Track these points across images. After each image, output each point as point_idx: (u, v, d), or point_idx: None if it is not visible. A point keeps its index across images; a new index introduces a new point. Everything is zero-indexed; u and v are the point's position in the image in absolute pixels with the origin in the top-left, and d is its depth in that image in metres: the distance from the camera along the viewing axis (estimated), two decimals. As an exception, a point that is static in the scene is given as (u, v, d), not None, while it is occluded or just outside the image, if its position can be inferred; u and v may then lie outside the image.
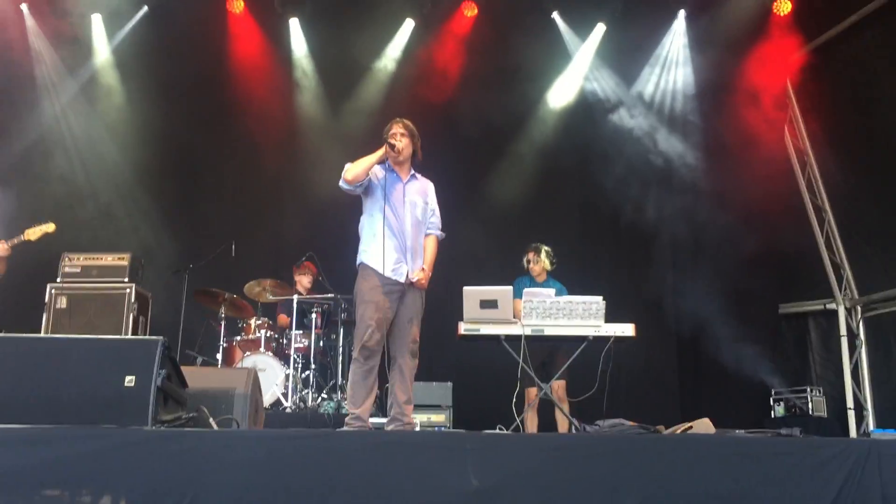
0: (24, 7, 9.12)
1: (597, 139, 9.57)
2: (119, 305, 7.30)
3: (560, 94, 9.95)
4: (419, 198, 5.44)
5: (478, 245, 8.85)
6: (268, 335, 7.94)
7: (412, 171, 5.48)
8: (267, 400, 7.03)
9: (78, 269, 7.39)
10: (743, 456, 4.11)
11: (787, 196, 9.57)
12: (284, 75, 9.70)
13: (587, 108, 9.88)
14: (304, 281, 8.37)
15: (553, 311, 5.89)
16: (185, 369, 4.65)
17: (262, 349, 7.79)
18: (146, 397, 4.01)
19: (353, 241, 5.46)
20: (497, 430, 5.48)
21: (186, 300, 7.96)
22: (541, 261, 7.14)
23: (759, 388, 9.00)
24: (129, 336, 6.97)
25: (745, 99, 9.10)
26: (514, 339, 5.86)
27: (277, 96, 9.58)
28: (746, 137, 8.99)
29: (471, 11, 9.56)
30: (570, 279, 7.28)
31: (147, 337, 5.87)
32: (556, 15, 9.74)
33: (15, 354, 4.15)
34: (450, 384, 7.67)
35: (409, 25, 9.72)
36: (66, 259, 7.42)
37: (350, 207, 5.72)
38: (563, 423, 6.64)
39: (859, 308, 9.29)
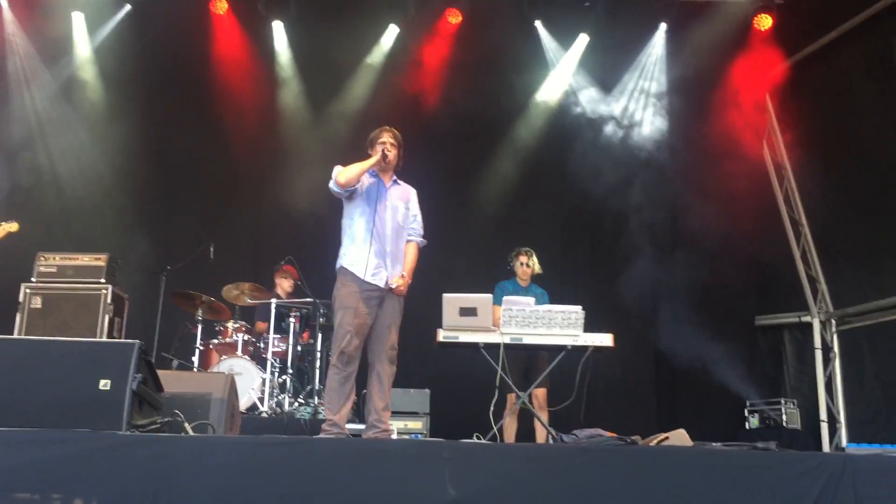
0: (2, 2, 9.02)
1: (578, 149, 9.59)
2: (95, 306, 7.19)
3: (542, 102, 9.97)
4: (401, 203, 5.45)
5: (458, 252, 8.85)
6: (245, 339, 7.88)
7: (394, 177, 5.50)
8: (243, 404, 6.97)
9: (53, 269, 7.27)
10: (719, 469, 4.14)
11: (765, 209, 9.65)
12: (267, 78, 9.65)
13: (569, 118, 9.90)
14: (284, 284, 8.33)
15: (532, 319, 5.89)
16: (161, 373, 4.61)
17: (238, 353, 7.73)
18: (121, 401, 3.97)
19: (333, 244, 5.45)
20: (474, 439, 5.47)
21: (163, 302, 7.89)
22: (534, 262, 7.17)
23: (734, 399, 9.06)
24: (105, 339, 6.89)
25: (724, 112, 9.17)
26: (493, 348, 5.85)
27: (259, 99, 9.53)
28: (725, 150, 9.05)
29: (455, 18, 9.55)
30: (550, 289, 7.31)
31: (123, 340, 5.80)
32: (538, 24, 9.78)
33: (-13, 356, 4.09)
34: (427, 391, 7.64)
35: (392, 31, 9.71)
36: (42, 258, 7.29)
37: (331, 211, 5.71)
38: (541, 432, 6.64)
39: (834, 321, 9.39)
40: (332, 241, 5.54)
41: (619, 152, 9.67)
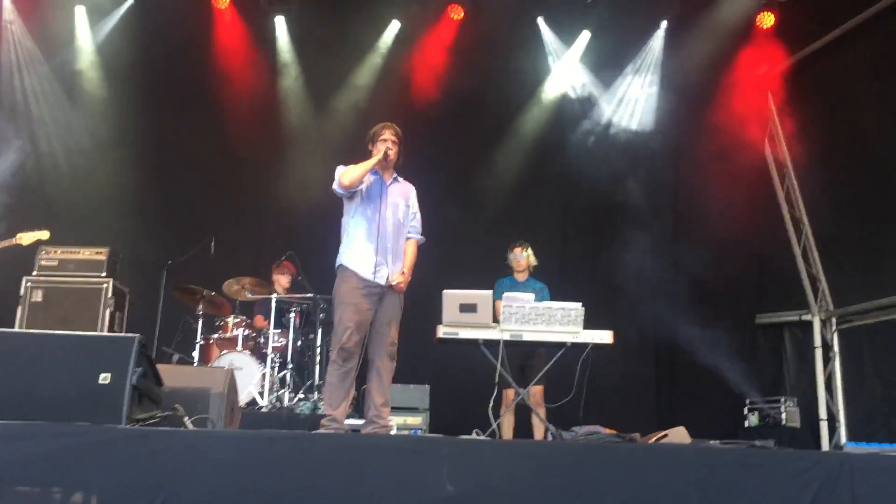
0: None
1: (579, 145, 9.62)
2: (96, 300, 7.19)
3: (544, 98, 9.97)
4: (401, 200, 5.46)
5: (459, 248, 8.86)
6: (245, 333, 7.88)
7: (394, 174, 5.50)
8: (243, 399, 6.99)
9: (55, 263, 7.27)
10: (718, 466, 4.14)
11: (766, 207, 9.63)
12: (268, 73, 9.63)
13: (570, 114, 9.92)
14: (282, 280, 8.32)
15: (532, 316, 5.89)
16: (162, 368, 4.62)
17: (239, 347, 7.74)
18: (121, 395, 3.98)
19: (334, 241, 5.45)
20: (473, 435, 5.47)
21: (164, 296, 7.89)
22: (528, 254, 7.17)
23: (734, 396, 9.06)
24: (106, 332, 6.89)
25: (727, 110, 9.15)
26: (492, 344, 5.86)
27: (261, 94, 9.52)
28: (726, 148, 9.04)
29: (457, 14, 9.55)
30: (549, 285, 7.32)
31: (123, 334, 5.80)
32: (540, 20, 9.78)
33: (-12, 349, 4.10)
34: (427, 387, 7.65)
35: (394, 27, 9.70)
36: (43, 252, 7.28)
37: (331, 208, 5.71)
38: (539, 429, 6.65)
39: (834, 320, 9.37)
40: (332, 236, 5.55)
41: (620, 149, 9.68)
